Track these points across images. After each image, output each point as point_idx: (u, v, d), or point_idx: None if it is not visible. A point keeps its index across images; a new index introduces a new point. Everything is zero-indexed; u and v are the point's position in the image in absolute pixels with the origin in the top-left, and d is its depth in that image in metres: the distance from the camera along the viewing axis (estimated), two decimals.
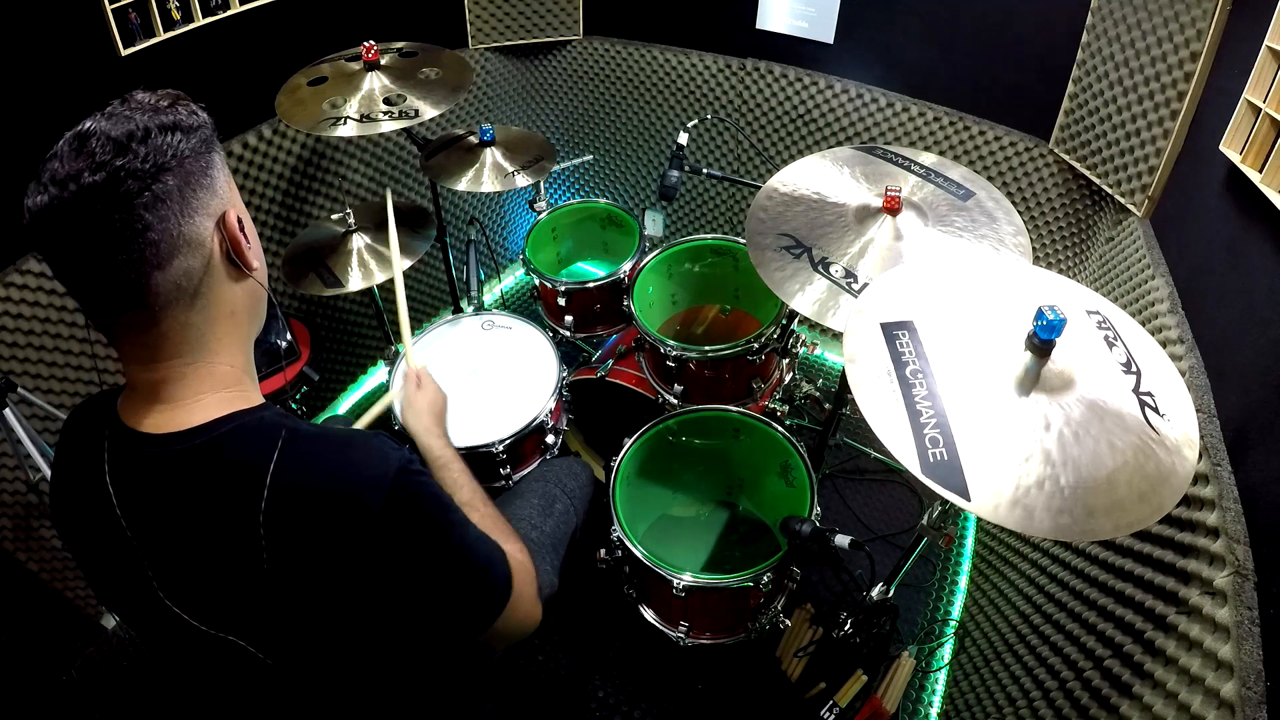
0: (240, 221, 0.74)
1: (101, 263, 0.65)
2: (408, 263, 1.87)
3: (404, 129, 1.76)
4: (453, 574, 0.79)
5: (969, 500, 0.87)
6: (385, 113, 1.72)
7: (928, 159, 1.59)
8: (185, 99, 0.73)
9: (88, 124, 0.66)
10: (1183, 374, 1.13)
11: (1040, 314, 0.95)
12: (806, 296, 1.36)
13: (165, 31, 1.76)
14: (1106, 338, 1.04)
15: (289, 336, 2.13)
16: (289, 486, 0.69)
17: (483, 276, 2.61)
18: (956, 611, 1.97)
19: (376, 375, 2.73)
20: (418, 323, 2.83)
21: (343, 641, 0.77)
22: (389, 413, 1.74)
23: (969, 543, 2.13)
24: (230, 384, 0.76)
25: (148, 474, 0.72)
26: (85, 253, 0.65)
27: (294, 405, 2.18)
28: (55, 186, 0.63)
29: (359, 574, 0.72)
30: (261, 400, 0.78)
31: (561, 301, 2.05)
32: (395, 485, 0.72)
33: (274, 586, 0.71)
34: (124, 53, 1.70)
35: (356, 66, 1.83)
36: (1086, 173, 1.85)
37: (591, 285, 2.04)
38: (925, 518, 1.27)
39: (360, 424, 1.20)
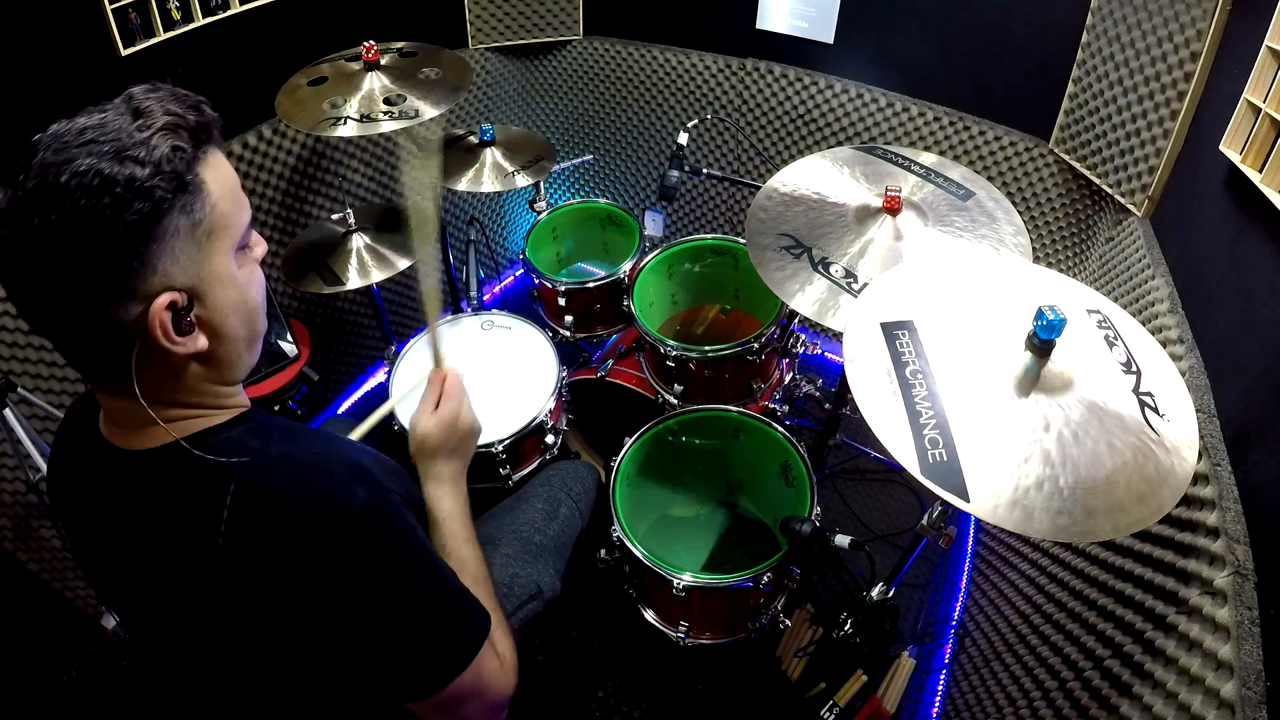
0: (189, 301, 0.65)
1: (26, 314, 0.64)
2: (406, 263, 1.86)
3: (404, 129, 1.75)
4: (398, 627, 0.71)
5: (968, 501, 0.87)
6: (385, 113, 1.71)
7: (928, 159, 1.59)
8: (176, 126, 0.63)
9: (42, 137, 0.61)
10: (1183, 374, 1.13)
11: (1040, 314, 0.95)
12: (806, 296, 1.36)
13: (165, 31, 1.76)
14: (1107, 337, 1.04)
15: (289, 337, 2.13)
16: (248, 512, 0.67)
17: (482, 276, 2.61)
18: (956, 611, 1.97)
19: (376, 375, 2.73)
20: (415, 324, 2.82)
21: (292, 671, 0.75)
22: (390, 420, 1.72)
23: (969, 543, 2.12)
24: (200, 411, 0.73)
25: (116, 485, 0.72)
26: (12, 296, 0.63)
27: (294, 405, 2.17)
28: None
29: (308, 607, 0.68)
30: (240, 409, 0.76)
31: (561, 301, 2.05)
32: (355, 524, 0.68)
33: (227, 608, 0.70)
34: (124, 53, 1.70)
35: (356, 66, 1.83)
36: (1086, 173, 1.85)
37: (591, 285, 2.04)
38: (925, 518, 1.27)
39: (356, 434, 1.05)
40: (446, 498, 0.93)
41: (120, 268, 0.61)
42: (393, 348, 2.01)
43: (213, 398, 0.74)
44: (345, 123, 1.68)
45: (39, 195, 0.58)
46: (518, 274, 3.16)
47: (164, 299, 0.63)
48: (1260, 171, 1.19)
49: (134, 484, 0.71)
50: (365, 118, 1.70)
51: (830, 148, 1.72)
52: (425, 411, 0.98)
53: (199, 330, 0.68)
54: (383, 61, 1.83)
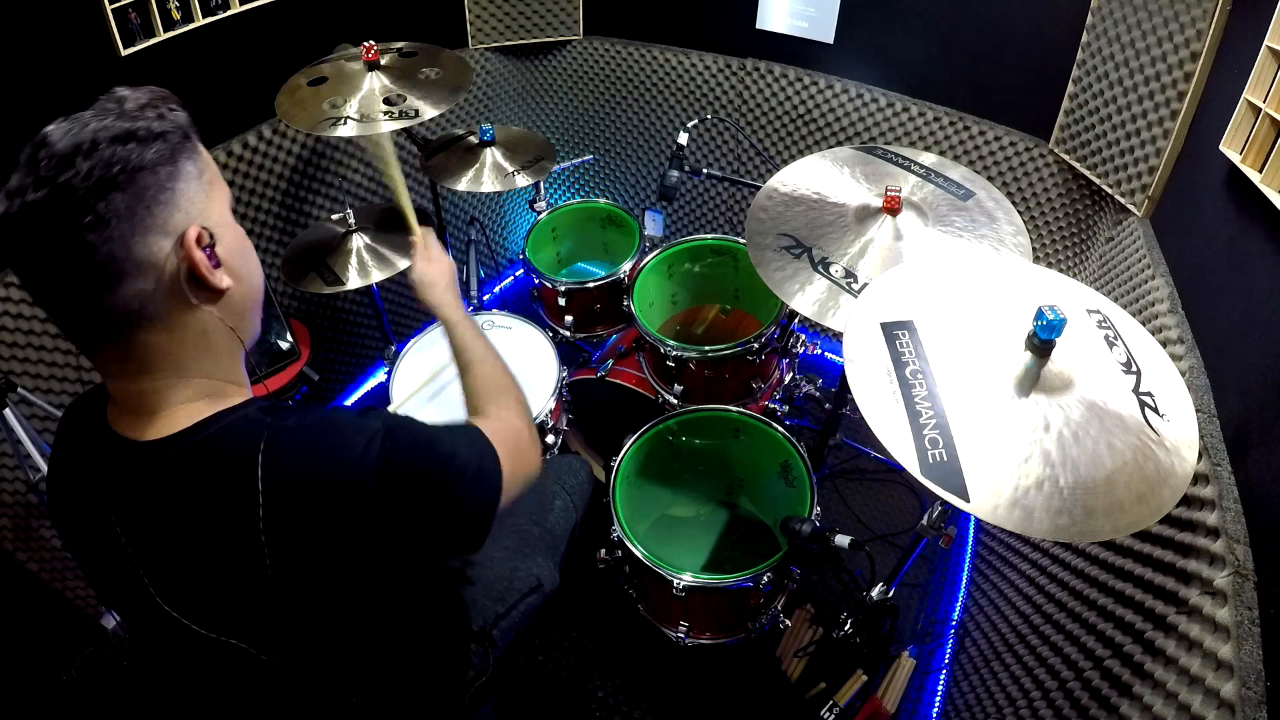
0: (211, 237, 0.70)
1: (51, 281, 0.65)
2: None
3: (404, 129, 1.75)
4: (450, 507, 0.79)
5: (968, 501, 0.87)
6: (385, 113, 1.71)
7: (928, 159, 1.59)
8: (164, 100, 0.70)
9: (50, 129, 0.64)
10: (1183, 374, 1.13)
11: (1040, 314, 0.95)
12: (806, 296, 1.36)
13: (165, 31, 1.76)
14: (1106, 337, 1.04)
15: (289, 337, 2.13)
16: (283, 483, 0.68)
17: (482, 276, 2.61)
18: (956, 611, 1.97)
19: (376, 375, 2.73)
20: (415, 324, 2.82)
21: (344, 621, 0.77)
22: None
23: (969, 543, 2.13)
24: (211, 392, 0.74)
25: (138, 480, 0.72)
26: (35, 270, 0.64)
27: (294, 405, 2.18)
28: (7, 198, 0.62)
29: (359, 543, 0.71)
30: (246, 397, 0.77)
31: (561, 301, 2.05)
32: (384, 454, 0.72)
33: (277, 584, 0.70)
34: (124, 53, 1.70)
35: (356, 66, 1.83)
36: (1086, 173, 1.85)
37: (591, 285, 2.04)
38: (925, 518, 1.27)
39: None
40: (458, 311, 1.14)
41: (153, 204, 0.65)
42: (393, 348, 2.01)
43: (228, 367, 0.76)
44: (345, 123, 1.68)
45: (68, 156, 0.61)
46: (518, 274, 3.16)
47: (193, 230, 0.68)
48: (1260, 171, 1.19)
49: (155, 474, 0.70)
50: (365, 118, 1.70)
51: (830, 148, 1.72)
52: (420, 259, 1.22)
53: (223, 268, 0.72)
54: (383, 61, 1.83)
